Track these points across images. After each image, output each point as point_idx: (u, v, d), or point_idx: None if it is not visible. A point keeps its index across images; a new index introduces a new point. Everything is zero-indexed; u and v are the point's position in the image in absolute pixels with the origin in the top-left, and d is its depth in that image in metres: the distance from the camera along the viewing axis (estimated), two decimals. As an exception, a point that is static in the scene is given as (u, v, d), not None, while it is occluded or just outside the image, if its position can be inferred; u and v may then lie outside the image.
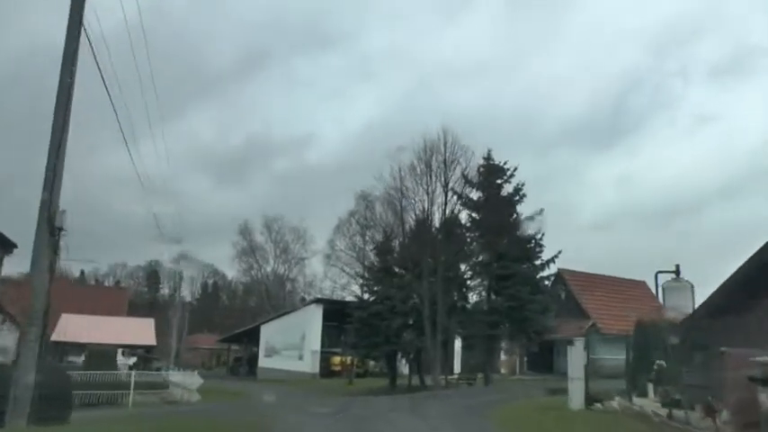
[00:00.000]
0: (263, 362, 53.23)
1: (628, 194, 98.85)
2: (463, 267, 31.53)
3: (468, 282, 31.67)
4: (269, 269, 73.23)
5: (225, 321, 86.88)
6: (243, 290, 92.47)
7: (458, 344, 40.24)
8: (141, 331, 42.83)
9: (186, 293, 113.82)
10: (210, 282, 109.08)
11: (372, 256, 34.86)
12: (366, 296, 34.53)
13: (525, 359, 43.72)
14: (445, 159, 28.77)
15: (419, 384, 32.61)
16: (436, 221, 30.38)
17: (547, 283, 32.69)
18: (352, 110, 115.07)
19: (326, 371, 45.68)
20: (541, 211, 31.92)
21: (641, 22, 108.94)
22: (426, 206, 29.69)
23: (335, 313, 48.32)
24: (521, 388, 26.52)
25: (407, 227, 30.98)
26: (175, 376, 27.19)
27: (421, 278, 29.49)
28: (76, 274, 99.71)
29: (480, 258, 30.22)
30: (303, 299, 63.33)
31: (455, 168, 29.13)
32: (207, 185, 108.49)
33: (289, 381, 45.34)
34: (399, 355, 34.46)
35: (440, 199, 29.58)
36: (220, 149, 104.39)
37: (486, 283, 31.13)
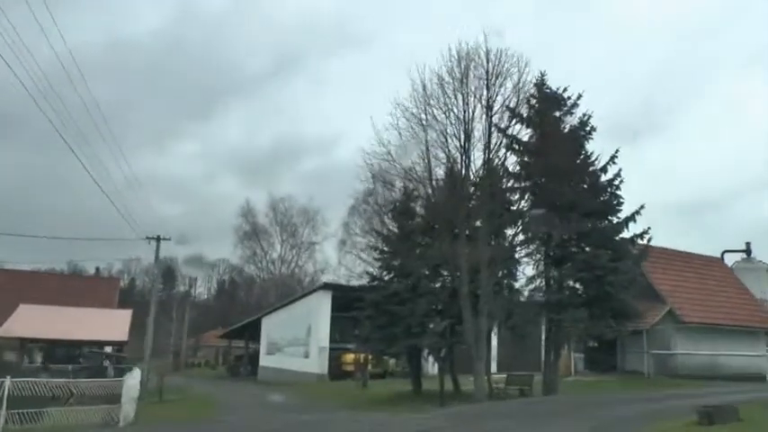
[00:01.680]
0: (264, 360, 45.38)
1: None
2: (511, 232, 22.96)
3: (520, 250, 23.06)
4: (275, 255, 65.52)
5: (241, 318, 78.75)
6: (259, 285, 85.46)
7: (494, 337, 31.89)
8: (113, 325, 35.07)
9: (202, 290, 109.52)
10: (227, 278, 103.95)
11: (389, 222, 26.47)
12: (384, 274, 26.25)
13: (582, 356, 35.21)
14: (488, 73, 19.96)
15: (453, 390, 24.34)
16: (474, 171, 21.90)
17: (632, 248, 23.84)
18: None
19: (337, 371, 37.77)
20: (617, 151, 23.48)
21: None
22: (460, 151, 21.05)
23: (347, 302, 40.11)
24: (628, 403, 17.70)
25: (435, 180, 22.61)
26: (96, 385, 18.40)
27: (455, 247, 21.18)
28: (91, 270, 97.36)
29: (535, 214, 21.77)
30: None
31: (501, 87, 20.35)
32: (233, 185, 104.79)
33: (292, 383, 37.54)
34: (425, 352, 26.16)
35: (479, 138, 20.95)
36: (248, 150, 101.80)
37: (543, 249, 22.69)
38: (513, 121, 22.27)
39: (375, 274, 26.19)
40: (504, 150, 21.92)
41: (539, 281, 22.91)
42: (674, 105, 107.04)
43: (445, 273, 25.18)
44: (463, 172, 21.16)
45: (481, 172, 21.18)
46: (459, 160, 20.19)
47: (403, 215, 25.83)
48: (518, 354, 34.57)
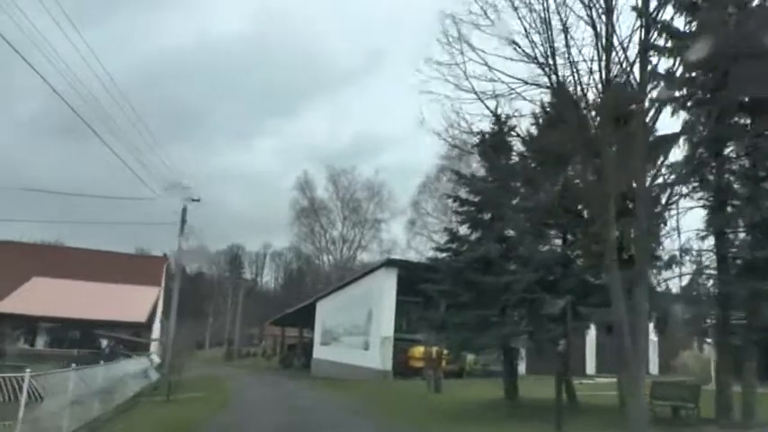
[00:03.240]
0: (318, 351, 38.78)
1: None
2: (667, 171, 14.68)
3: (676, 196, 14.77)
4: (335, 233, 58.67)
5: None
6: (319, 268, 79.87)
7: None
8: (134, 304, 29.19)
9: (269, 279, 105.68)
10: (294, 267, 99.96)
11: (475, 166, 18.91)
12: (468, 233, 18.73)
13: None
14: None
15: (567, 400, 16.61)
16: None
17: None
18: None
19: (402, 367, 30.68)
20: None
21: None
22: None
23: (417, 283, 33.10)
24: None
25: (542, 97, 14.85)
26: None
27: (591, 177, 13.40)
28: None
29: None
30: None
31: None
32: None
33: (348, 379, 30.77)
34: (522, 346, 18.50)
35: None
36: (329, 145, 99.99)
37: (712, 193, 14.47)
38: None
39: (455, 231, 18.70)
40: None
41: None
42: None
43: (552, 232, 17.52)
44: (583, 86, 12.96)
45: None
46: (600, 31, 12.17)
47: (494, 151, 18.19)
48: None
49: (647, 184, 12.39)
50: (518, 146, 18.37)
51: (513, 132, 17.77)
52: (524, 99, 13.45)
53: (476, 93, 12.88)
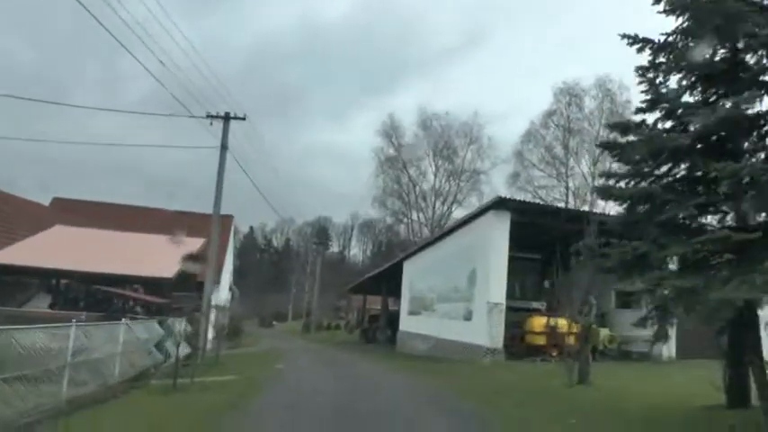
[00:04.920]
0: (406, 322, 31.26)
1: None
2: None
3: None
4: (426, 186, 50.73)
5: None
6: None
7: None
8: (168, 258, 22.56)
9: (356, 252, 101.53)
10: (383, 240, 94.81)
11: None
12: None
13: None
14: None
15: None
16: None
17: None
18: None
19: (516, 346, 22.77)
20: None
21: None
22: None
23: (535, 235, 24.95)
24: None
25: None
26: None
27: None
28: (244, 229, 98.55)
29: None
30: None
31: None
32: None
33: (445, 359, 23.38)
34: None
35: None
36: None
37: None
38: None
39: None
40: None
41: None
42: None
43: None
44: None
45: None
46: None
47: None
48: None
49: None
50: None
51: None
52: None
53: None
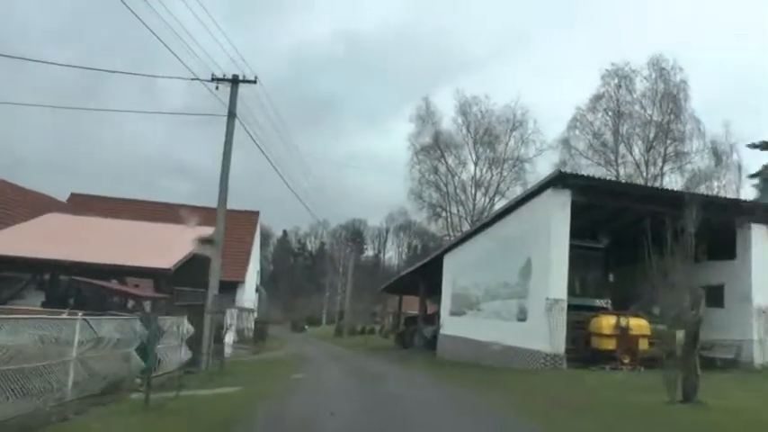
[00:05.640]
0: (447, 324, 27.60)
1: None
2: None
3: None
4: (466, 176, 46.98)
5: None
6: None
7: None
8: (171, 247, 19.49)
9: (392, 255, 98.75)
10: (419, 243, 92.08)
11: None
12: None
13: None
14: None
15: None
16: None
17: None
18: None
19: (581, 351, 18.98)
20: None
21: None
22: None
23: (599, 217, 21.28)
24: None
25: None
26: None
27: None
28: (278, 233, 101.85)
29: None
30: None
31: None
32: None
33: (495, 368, 19.84)
34: None
35: None
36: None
37: None
38: None
39: None
40: None
41: None
42: None
43: None
44: None
45: None
46: None
47: None
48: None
49: None
50: None
51: None
52: None
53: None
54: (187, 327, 16.67)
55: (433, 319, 32.22)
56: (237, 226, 41.02)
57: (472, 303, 24.74)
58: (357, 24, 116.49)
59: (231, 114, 17.60)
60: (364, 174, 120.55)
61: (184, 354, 16.41)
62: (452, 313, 27.12)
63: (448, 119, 46.51)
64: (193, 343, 16.80)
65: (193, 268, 18.87)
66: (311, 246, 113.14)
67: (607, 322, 19.22)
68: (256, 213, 42.96)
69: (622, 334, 18.93)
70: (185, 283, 18.49)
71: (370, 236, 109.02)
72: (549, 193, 19.13)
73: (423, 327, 33.05)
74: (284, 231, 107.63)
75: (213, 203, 19.19)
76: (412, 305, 41.56)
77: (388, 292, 46.26)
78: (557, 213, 18.82)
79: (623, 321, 19.11)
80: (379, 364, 23.24)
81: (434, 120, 45.95)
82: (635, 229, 23.27)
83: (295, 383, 14.25)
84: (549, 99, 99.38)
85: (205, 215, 31.40)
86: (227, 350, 25.35)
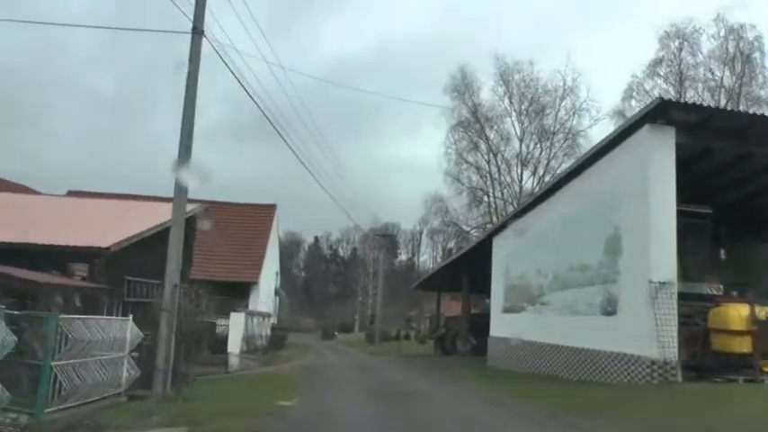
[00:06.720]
0: (498, 324, 21.89)
1: None
2: None
3: None
4: (510, 152, 41.15)
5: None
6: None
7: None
8: (113, 223, 14.39)
9: (426, 258, 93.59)
10: (453, 245, 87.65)
11: None
12: None
13: None
14: None
15: None
16: None
17: None
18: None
19: (698, 355, 13.22)
20: None
21: None
22: None
23: (715, 165, 15.67)
24: None
25: None
26: None
27: None
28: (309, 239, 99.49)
29: None
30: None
31: None
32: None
33: (575, 382, 14.10)
34: None
35: None
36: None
37: None
38: None
39: None
40: None
41: None
42: None
43: None
44: None
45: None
46: None
47: None
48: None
49: None
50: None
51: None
52: None
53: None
54: (134, 331, 11.56)
55: (480, 319, 26.65)
56: (251, 221, 36.35)
57: (533, 296, 18.99)
58: (391, 29, 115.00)
59: (195, 30, 12.46)
60: (397, 178, 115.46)
61: (128, 371, 11.31)
62: (506, 310, 21.38)
63: (487, 89, 40.95)
64: (148, 355, 11.72)
65: (156, 253, 13.67)
66: (343, 252, 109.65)
67: (737, 314, 13.36)
68: (272, 207, 37.97)
69: (761, 331, 13.14)
70: (142, 273, 13.36)
71: (404, 240, 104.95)
72: (645, 132, 13.44)
73: (467, 333, 27.49)
74: (315, 238, 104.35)
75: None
76: (451, 309, 36.08)
77: (425, 289, 40.92)
78: (658, 159, 13.13)
79: (761, 312, 13.34)
80: (414, 378, 17.71)
81: (472, 91, 40.17)
82: (758, 187, 17.24)
83: (273, 421, 8.86)
84: (598, 70, 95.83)
85: (210, 208, 26.59)
86: (233, 361, 21.73)
